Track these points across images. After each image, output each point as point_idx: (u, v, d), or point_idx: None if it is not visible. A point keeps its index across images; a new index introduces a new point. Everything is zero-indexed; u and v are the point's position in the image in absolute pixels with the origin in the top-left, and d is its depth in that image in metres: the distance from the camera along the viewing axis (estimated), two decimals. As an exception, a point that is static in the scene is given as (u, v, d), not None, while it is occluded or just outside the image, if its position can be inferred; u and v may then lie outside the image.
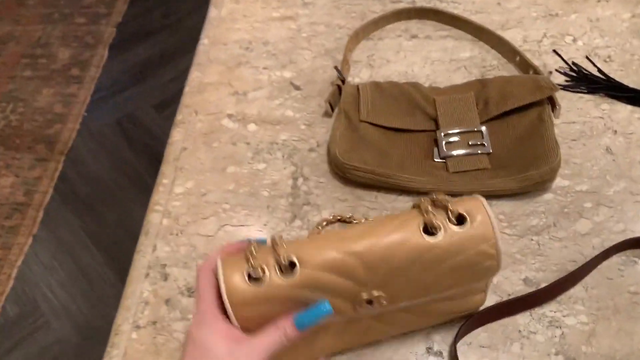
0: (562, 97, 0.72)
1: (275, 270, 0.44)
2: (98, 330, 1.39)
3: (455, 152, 0.65)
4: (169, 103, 1.81)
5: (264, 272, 0.43)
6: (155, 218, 0.67)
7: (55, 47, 2.07)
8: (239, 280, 0.43)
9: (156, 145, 1.75)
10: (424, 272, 0.46)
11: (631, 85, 0.72)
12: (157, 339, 0.58)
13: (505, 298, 0.57)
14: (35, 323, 1.43)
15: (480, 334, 0.56)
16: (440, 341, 0.56)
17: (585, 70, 0.74)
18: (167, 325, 0.58)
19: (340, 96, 0.71)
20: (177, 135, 0.73)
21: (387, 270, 0.45)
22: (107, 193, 1.67)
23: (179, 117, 0.75)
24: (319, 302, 0.44)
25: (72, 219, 1.62)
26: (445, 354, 0.55)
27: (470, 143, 0.66)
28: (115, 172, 1.71)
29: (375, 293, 0.45)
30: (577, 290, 0.58)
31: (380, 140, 0.67)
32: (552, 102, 0.68)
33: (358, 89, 0.70)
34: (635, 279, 0.58)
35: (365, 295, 0.45)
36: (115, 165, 1.73)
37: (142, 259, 0.64)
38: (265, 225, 0.64)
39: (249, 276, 0.43)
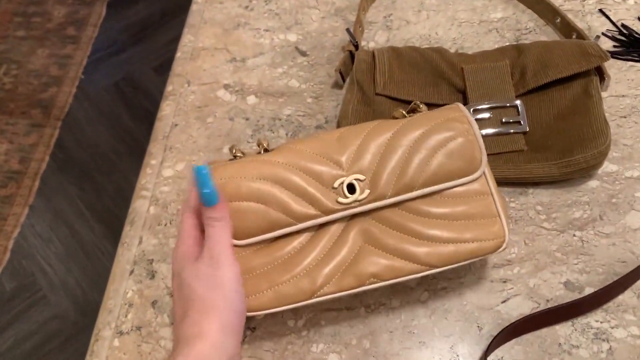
0: (609, 66, 0.62)
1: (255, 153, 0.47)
2: (97, 306, 1.33)
3: (485, 131, 0.56)
4: (170, 65, 1.70)
5: (244, 154, 0.46)
6: (141, 205, 0.59)
7: (50, 5, 1.96)
8: (222, 160, 0.46)
9: (157, 110, 1.66)
10: (403, 157, 0.45)
11: (691, 51, 0.62)
12: (142, 348, 0.51)
13: (543, 305, 0.50)
14: (32, 297, 1.38)
15: (513, 347, 0.48)
16: (467, 355, 0.48)
17: (637, 33, 0.64)
18: (153, 331, 0.51)
19: (353, 64, 0.61)
20: (166, 109, 0.65)
21: (365, 151, 0.45)
22: (106, 161, 1.59)
23: (169, 87, 0.66)
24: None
25: (69, 188, 1.55)
26: (473, 370, 0.47)
27: (503, 120, 0.57)
28: (113, 139, 1.63)
29: (356, 176, 0.44)
30: (626, 297, 0.50)
31: (399, 117, 0.58)
32: (600, 72, 0.58)
33: (374, 56, 0.61)
34: (696, 284, 0.49)
35: (345, 177, 0.44)
36: (113, 131, 1.65)
37: (127, 253, 0.56)
38: (265, 215, 0.56)
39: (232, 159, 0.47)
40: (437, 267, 0.45)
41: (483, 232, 0.45)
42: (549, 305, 0.49)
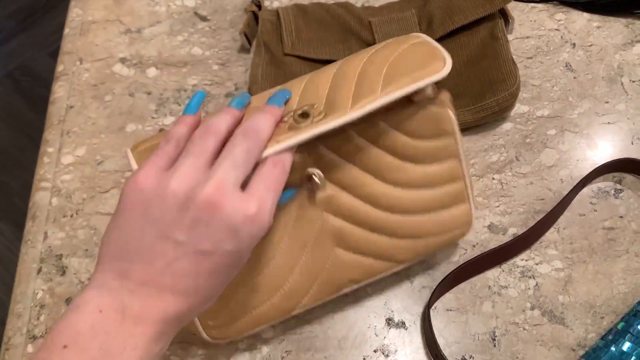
0: (512, 8, 0.62)
1: None
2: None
3: (399, 84, 0.55)
4: (68, 48, 1.59)
5: None
6: (42, 198, 0.54)
7: None
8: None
9: (58, 98, 1.55)
10: (356, 75, 0.39)
11: (586, -11, 0.63)
12: (60, 350, 0.47)
13: (470, 250, 0.50)
14: (-59, 313, 1.27)
15: (445, 296, 0.48)
16: (402, 310, 0.48)
17: (536, -25, 0.65)
18: (70, 331, 0.47)
19: (258, 25, 0.58)
20: (59, 91, 0.59)
21: (312, 88, 0.40)
22: (8, 157, 1.48)
23: (59, 67, 0.61)
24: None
25: (-31, 192, 1.43)
26: (409, 323, 0.47)
27: (415, 71, 0.56)
28: (13, 133, 1.51)
29: (305, 107, 0.39)
30: (548, 233, 0.51)
31: (311, 77, 0.56)
32: (504, 15, 0.58)
33: (278, 15, 0.58)
34: (609, 212, 0.51)
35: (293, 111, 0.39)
36: (12, 126, 1.53)
37: (32, 251, 0.52)
38: (181, 193, 0.53)
39: None
40: (411, 261, 0.46)
41: (448, 220, 0.45)
42: (476, 250, 0.50)
